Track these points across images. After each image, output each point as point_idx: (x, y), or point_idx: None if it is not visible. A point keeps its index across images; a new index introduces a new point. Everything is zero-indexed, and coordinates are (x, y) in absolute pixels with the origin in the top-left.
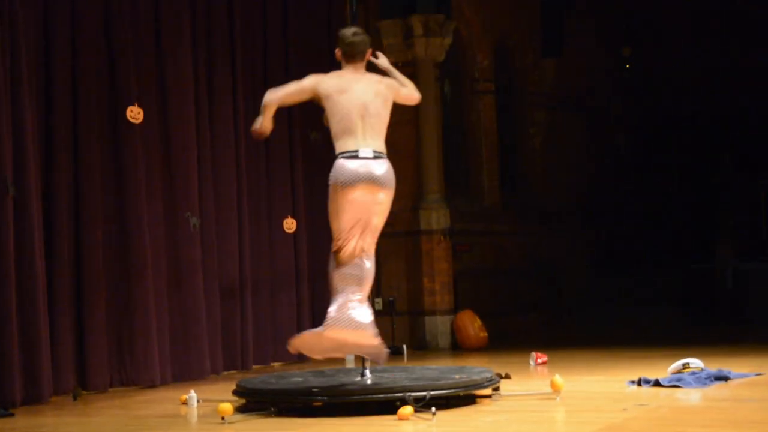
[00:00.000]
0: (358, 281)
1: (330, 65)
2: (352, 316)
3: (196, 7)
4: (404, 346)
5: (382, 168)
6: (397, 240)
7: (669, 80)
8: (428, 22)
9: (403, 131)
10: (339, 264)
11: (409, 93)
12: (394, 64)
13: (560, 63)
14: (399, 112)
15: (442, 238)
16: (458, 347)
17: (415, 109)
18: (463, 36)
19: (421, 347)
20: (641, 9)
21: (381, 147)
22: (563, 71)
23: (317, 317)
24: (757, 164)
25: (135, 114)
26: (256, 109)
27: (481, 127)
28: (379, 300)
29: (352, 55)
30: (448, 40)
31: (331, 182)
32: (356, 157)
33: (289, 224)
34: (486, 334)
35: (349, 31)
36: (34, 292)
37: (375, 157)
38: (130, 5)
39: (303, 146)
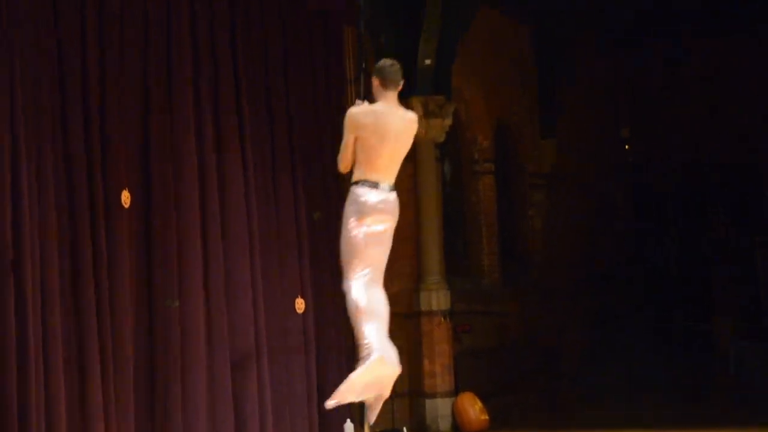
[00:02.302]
0: None
1: (330, 150)
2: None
3: (200, 83)
4: (404, 429)
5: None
6: (397, 321)
7: (668, 159)
8: (428, 104)
9: (402, 212)
10: None
11: None
12: None
13: (559, 144)
14: (398, 193)
15: (442, 319)
16: (459, 430)
17: (414, 190)
18: (463, 117)
19: (422, 430)
20: (639, 90)
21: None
22: (562, 152)
23: (321, 397)
24: (756, 240)
25: (125, 198)
26: (267, 191)
27: (481, 207)
28: None
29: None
30: (448, 121)
31: None
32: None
33: (299, 305)
34: (487, 417)
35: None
36: (27, 369)
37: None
38: (119, 90)
39: (309, 226)
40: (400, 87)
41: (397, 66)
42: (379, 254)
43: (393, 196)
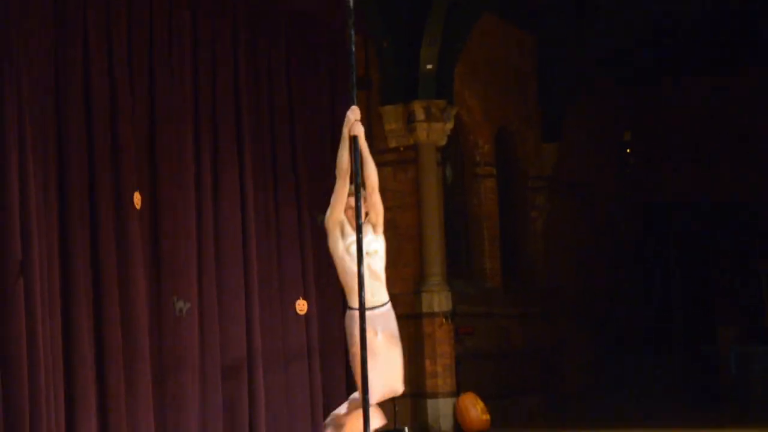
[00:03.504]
0: None
1: (332, 152)
2: None
3: (205, 97)
4: (406, 429)
5: None
6: (399, 323)
7: (669, 166)
8: (430, 108)
9: (405, 215)
10: None
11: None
12: (396, 149)
13: (561, 147)
14: (401, 196)
15: (443, 320)
16: (460, 430)
17: (416, 193)
18: (465, 121)
19: (423, 430)
20: (641, 94)
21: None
22: (564, 155)
23: (325, 398)
24: (756, 249)
25: (137, 200)
26: (267, 197)
27: (482, 211)
28: None
29: None
30: (449, 125)
31: None
32: None
33: (301, 306)
34: (488, 417)
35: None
36: (37, 372)
37: None
38: (131, 92)
39: (311, 229)
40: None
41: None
42: None
43: None
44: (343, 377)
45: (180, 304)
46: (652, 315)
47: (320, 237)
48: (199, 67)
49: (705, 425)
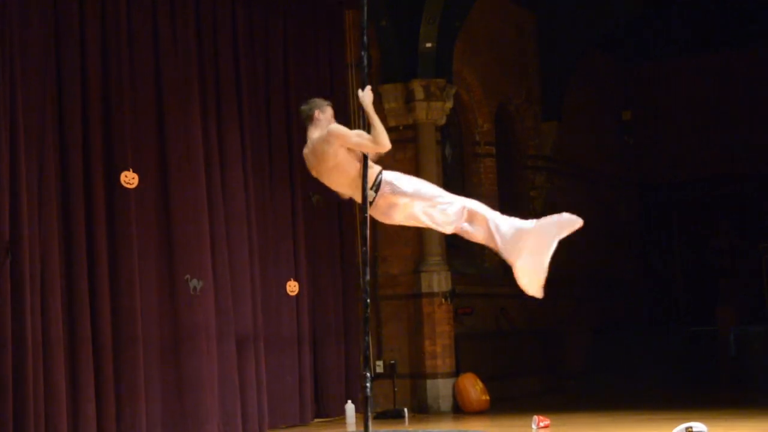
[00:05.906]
0: None
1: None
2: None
3: (205, 75)
4: (405, 410)
5: None
6: (398, 303)
7: (669, 145)
8: (429, 87)
9: None
10: None
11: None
12: (395, 128)
13: (561, 127)
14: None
15: (443, 300)
16: (460, 410)
17: (416, 172)
18: (464, 100)
19: (423, 410)
20: (641, 74)
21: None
22: (563, 135)
23: (320, 379)
24: (756, 229)
25: (129, 179)
26: (263, 176)
27: (482, 190)
28: (380, 363)
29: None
30: (449, 104)
31: None
32: None
33: (292, 287)
34: (488, 398)
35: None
36: (24, 355)
37: None
38: (130, 73)
39: (305, 209)
40: (311, 122)
41: (304, 106)
42: None
43: None
44: (335, 356)
45: (194, 283)
46: (652, 295)
47: (314, 217)
48: (202, 42)
49: (704, 406)
